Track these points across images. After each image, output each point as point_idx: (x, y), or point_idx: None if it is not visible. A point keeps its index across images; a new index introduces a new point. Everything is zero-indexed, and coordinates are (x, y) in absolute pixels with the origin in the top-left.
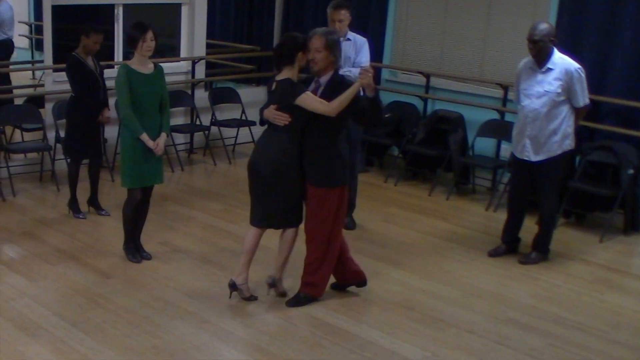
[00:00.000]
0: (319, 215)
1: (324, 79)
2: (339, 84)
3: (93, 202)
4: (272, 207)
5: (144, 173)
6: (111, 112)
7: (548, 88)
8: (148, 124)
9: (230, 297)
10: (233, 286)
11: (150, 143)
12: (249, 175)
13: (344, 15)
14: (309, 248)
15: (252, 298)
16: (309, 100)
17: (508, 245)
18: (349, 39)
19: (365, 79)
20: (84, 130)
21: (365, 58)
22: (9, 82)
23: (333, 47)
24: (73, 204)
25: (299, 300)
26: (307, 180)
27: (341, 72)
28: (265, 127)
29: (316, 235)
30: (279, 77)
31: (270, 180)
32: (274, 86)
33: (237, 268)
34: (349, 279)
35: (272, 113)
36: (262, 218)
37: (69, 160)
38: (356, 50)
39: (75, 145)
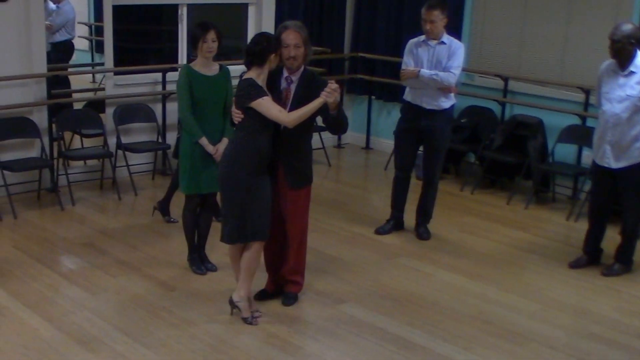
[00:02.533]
0: (303, 217)
1: (295, 76)
2: (310, 82)
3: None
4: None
5: (203, 179)
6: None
7: (630, 92)
8: (209, 128)
9: (231, 313)
10: (231, 303)
11: (209, 148)
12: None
13: (437, 16)
14: (293, 249)
15: (248, 320)
16: (266, 106)
17: (590, 256)
18: (443, 42)
19: (330, 97)
20: None
21: (456, 63)
22: (69, 85)
23: (308, 41)
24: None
25: (294, 298)
26: (287, 185)
27: (428, 75)
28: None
29: (298, 236)
30: (245, 75)
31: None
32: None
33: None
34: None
35: (232, 110)
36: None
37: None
38: (449, 55)
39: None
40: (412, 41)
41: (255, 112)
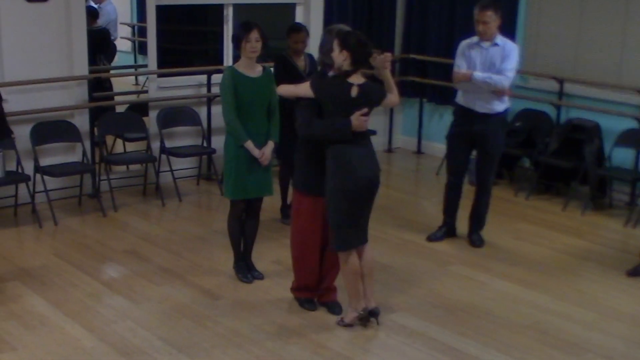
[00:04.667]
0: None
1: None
2: None
3: (283, 209)
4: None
5: (248, 184)
6: None
7: None
8: (254, 130)
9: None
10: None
11: (255, 151)
12: (371, 193)
13: (490, 16)
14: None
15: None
16: None
17: None
18: (496, 44)
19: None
20: (288, 133)
21: (510, 65)
22: (111, 88)
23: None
24: (284, 210)
25: (338, 306)
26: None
27: (481, 78)
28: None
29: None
30: (359, 80)
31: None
32: (356, 91)
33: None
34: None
35: (362, 116)
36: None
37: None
38: (502, 57)
39: (281, 148)
40: (464, 42)
41: None
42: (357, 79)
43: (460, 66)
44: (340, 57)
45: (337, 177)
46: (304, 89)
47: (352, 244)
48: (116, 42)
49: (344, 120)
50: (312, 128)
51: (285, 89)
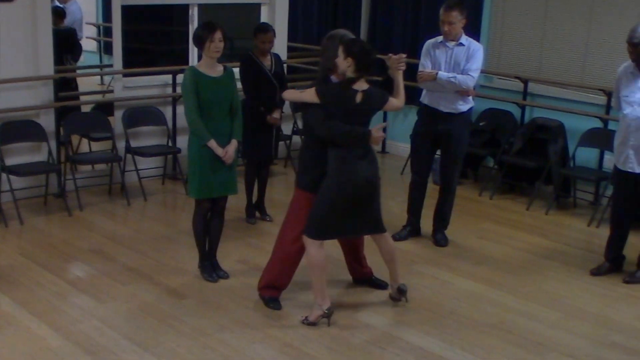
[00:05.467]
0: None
1: None
2: None
3: (259, 207)
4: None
5: (213, 183)
6: (282, 113)
7: None
8: (217, 130)
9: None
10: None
11: (218, 150)
12: (370, 190)
13: (455, 17)
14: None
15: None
16: None
17: (612, 263)
18: (461, 44)
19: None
20: (254, 132)
21: (475, 65)
22: (77, 87)
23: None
24: (248, 209)
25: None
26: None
27: (446, 78)
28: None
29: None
30: (363, 86)
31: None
32: (360, 97)
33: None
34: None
35: (380, 134)
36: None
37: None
38: (467, 57)
39: (246, 147)
40: (429, 42)
41: None
42: (361, 85)
43: (425, 65)
44: (344, 64)
45: (336, 175)
46: (309, 95)
47: (323, 236)
48: (82, 42)
49: (365, 130)
50: (331, 128)
51: (291, 95)
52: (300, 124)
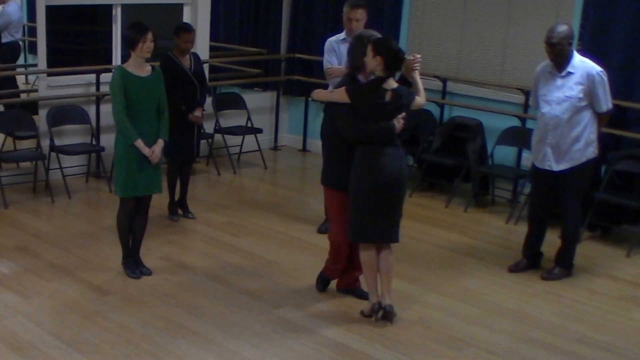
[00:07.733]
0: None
1: None
2: None
3: (182, 204)
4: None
5: (139, 182)
6: (204, 111)
7: (569, 93)
8: (144, 129)
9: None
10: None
11: (145, 150)
12: (396, 191)
13: (361, 14)
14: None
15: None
16: None
17: (530, 260)
18: None
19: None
20: (176, 131)
21: None
22: (17, 86)
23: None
24: (171, 206)
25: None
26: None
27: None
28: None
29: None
30: (392, 85)
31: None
32: (390, 96)
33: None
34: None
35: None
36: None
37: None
38: None
39: (168, 146)
40: (331, 39)
41: None
42: (390, 84)
43: (332, 62)
44: (373, 62)
45: (364, 173)
46: (339, 95)
47: (366, 237)
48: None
49: (390, 124)
50: (361, 130)
51: (320, 95)
52: (221, 123)
